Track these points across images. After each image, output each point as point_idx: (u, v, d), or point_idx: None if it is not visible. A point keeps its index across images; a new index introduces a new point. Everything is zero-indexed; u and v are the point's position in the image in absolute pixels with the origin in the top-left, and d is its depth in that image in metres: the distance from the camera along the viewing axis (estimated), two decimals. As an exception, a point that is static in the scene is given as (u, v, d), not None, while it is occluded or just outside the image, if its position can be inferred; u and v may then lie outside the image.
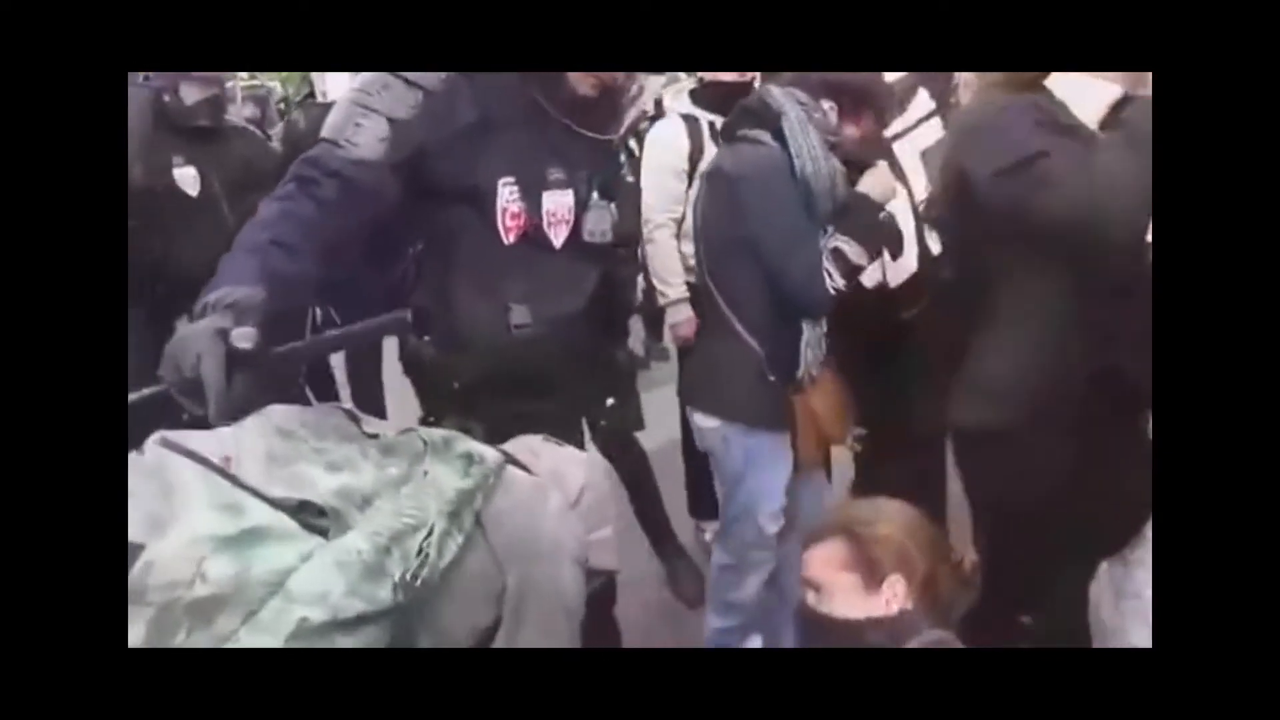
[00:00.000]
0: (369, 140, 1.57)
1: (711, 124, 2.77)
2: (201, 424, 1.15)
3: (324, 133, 1.59)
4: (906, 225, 2.36)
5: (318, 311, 3.16)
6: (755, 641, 2.43)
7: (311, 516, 0.99)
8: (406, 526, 0.99)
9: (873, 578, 1.39)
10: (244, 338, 1.24)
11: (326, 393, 3.72)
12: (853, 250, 2.05)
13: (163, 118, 2.76)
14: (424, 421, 1.88)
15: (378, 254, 2.30)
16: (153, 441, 1.02)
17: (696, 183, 2.57)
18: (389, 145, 1.58)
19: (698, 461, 2.99)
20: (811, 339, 2.15)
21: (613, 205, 1.78)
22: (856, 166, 2.15)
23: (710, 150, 2.75)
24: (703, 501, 3.15)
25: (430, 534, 0.99)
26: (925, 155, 2.34)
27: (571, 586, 1.12)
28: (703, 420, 2.25)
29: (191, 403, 1.22)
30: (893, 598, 1.38)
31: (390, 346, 3.58)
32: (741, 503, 2.25)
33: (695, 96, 2.95)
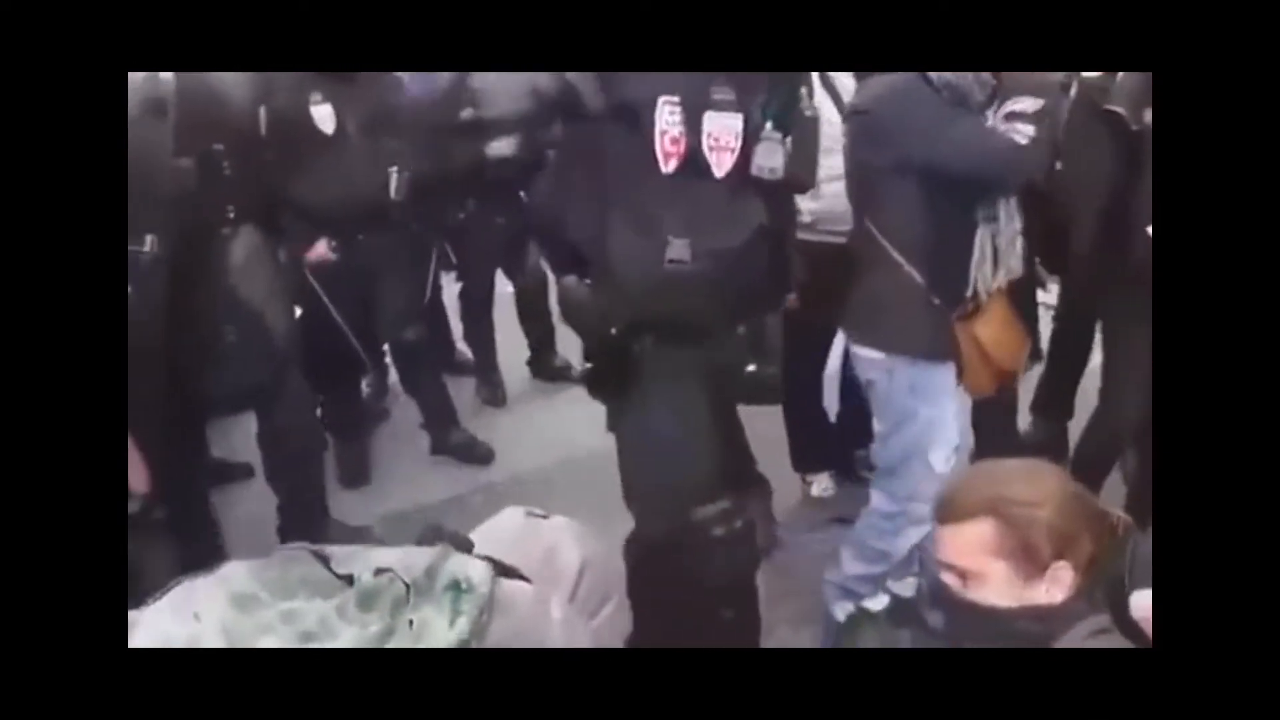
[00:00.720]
0: None
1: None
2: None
3: None
4: None
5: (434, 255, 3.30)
6: (882, 600, 2.34)
7: None
8: None
9: (1033, 566, 1.22)
10: None
11: (443, 332, 3.86)
12: (1026, 103, 1.94)
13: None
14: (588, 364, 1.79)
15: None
16: None
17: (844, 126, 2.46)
18: None
19: (802, 413, 2.93)
20: (1004, 237, 2.04)
21: (788, 140, 1.64)
22: None
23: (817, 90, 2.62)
24: (807, 455, 3.11)
25: None
26: None
27: None
28: (865, 352, 2.16)
29: None
30: (1055, 585, 1.22)
31: (502, 284, 3.71)
32: (911, 440, 2.13)
33: None
